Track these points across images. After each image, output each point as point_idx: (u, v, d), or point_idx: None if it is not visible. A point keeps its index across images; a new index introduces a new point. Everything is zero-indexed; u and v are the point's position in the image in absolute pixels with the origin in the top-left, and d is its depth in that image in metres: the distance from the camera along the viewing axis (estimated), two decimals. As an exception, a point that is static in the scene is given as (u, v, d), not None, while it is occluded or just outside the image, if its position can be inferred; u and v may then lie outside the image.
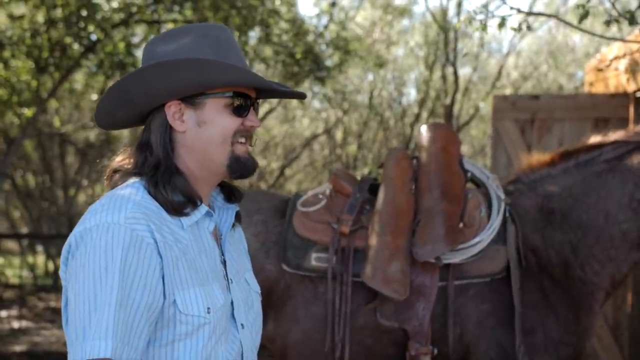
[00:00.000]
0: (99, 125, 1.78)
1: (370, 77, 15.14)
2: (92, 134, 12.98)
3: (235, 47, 1.67)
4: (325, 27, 10.88)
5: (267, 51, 10.27)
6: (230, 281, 1.68)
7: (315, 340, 3.25)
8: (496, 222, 3.15)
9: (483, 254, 3.12)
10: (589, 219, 3.13)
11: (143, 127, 1.71)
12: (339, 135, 16.07)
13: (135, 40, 9.10)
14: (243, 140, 1.66)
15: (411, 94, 16.36)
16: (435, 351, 3.08)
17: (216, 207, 1.76)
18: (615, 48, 5.55)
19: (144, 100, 1.64)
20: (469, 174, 3.35)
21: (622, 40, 4.06)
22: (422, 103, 14.27)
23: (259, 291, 1.82)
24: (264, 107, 14.38)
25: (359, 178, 3.54)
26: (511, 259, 3.08)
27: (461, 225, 3.15)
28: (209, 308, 1.57)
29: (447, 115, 12.96)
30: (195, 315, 1.55)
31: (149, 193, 1.59)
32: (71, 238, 1.53)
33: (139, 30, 9.28)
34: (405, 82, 15.38)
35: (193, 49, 1.61)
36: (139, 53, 10.24)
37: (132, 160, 1.66)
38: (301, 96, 1.78)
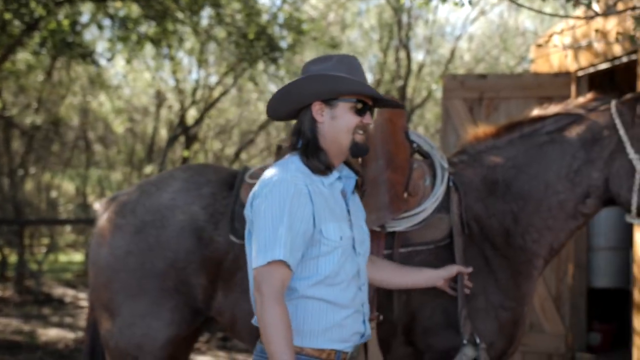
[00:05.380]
0: (268, 116, 2.63)
1: (325, 60, 15.05)
2: (39, 118, 12.72)
3: (361, 70, 2.53)
4: (279, 7, 10.83)
5: (220, 32, 10.17)
6: (352, 224, 2.50)
7: (263, 310, 3.26)
8: (440, 191, 3.20)
9: (427, 222, 3.17)
10: (530, 189, 3.20)
11: None
12: (294, 118, 15.98)
13: (83, 19, 8.92)
14: (361, 132, 2.47)
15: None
16: (381, 317, 3.13)
17: (343, 177, 2.55)
18: (559, 26, 5.66)
19: (299, 99, 2.46)
20: (414, 145, 3.39)
21: (565, 16, 4.15)
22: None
23: (369, 232, 2.65)
24: (217, 90, 14.28)
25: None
26: (454, 226, 3.14)
27: (406, 194, 3.19)
28: (341, 237, 2.40)
29: (401, 97, 13.05)
30: (332, 240, 2.38)
31: (303, 162, 2.42)
32: (256, 189, 2.40)
33: (85, 9, 9.09)
34: (359, 65, 15.38)
35: (334, 69, 2.45)
36: (86, 33, 10.05)
37: (289, 141, 2.51)
38: (398, 106, 2.68)
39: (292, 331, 2.30)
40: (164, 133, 17.00)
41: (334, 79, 2.42)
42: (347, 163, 2.60)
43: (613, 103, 3.21)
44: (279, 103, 2.52)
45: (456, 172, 3.31)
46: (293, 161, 2.44)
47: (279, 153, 2.51)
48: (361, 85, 2.45)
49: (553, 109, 3.30)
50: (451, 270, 3.01)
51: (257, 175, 3.44)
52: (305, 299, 2.39)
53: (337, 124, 2.45)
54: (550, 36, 4.62)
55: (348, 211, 2.52)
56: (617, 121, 3.13)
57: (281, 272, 2.29)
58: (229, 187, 3.45)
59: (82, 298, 10.97)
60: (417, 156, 3.44)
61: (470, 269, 3.04)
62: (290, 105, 2.51)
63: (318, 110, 2.47)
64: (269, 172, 2.41)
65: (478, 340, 3.03)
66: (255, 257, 2.32)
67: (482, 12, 13.94)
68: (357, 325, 2.49)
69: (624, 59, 5.37)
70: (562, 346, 6.03)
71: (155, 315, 3.29)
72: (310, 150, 2.44)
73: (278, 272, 2.29)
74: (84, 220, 13.15)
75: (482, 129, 3.41)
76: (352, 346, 2.49)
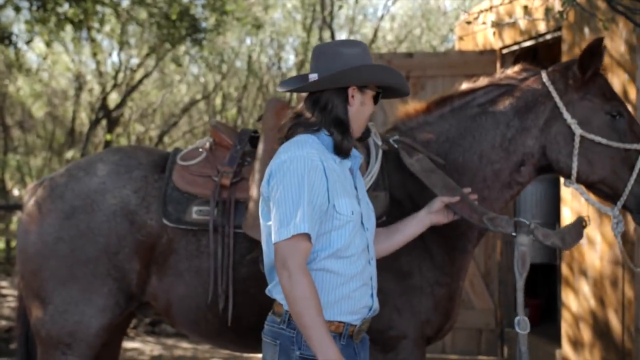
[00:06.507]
0: (298, 90, 2.67)
1: (249, 41, 15.00)
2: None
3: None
4: (201, -13, 10.65)
5: (141, 13, 9.96)
6: (359, 199, 2.61)
7: (200, 293, 3.23)
8: (374, 169, 3.20)
9: (363, 200, 3.18)
10: (465, 161, 3.21)
11: None
12: (218, 100, 15.89)
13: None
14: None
15: (290, 58, 16.36)
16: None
17: (351, 156, 2.64)
18: (486, 3, 5.77)
19: (346, 82, 2.54)
20: (347, 124, 3.38)
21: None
22: (300, 66, 14.32)
23: (373, 209, 2.75)
24: (140, 72, 14.00)
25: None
26: (422, 165, 3.14)
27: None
28: (352, 211, 2.50)
29: (326, 78, 13.05)
30: (344, 214, 2.48)
31: (336, 141, 2.53)
32: (272, 166, 2.48)
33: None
34: (283, 46, 15.35)
35: (365, 56, 2.60)
36: (2, 14, 9.68)
37: (308, 118, 2.57)
38: (405, 94, 2.77)
39: (319, 299, 2.37)
40: (84, 117, 16.57)
41: (381, 70, 2.65)
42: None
43: (544, 72, 3.24)
44: (328, 83, 2.55)
45: (389, 150, 3.31)
46: (307, 139, 2.52)
47: (290, 133, 2.58)
48: (400, 78, 2.66)
49: (482, 81, 3.33)
50: (436, 204, 2.99)
51: (188, 157, 3.40)
52: (316, 271, 2.47)
53: (364, 110, 2.62)
54: (480, 13, 4.70)
55: (356, 188, 2.64)
56: (551, 89, 3.17)
57: (304, 245, 2.38)
58: (161, 169, 3.39)
59: (4, 286, 10.65)
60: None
61: (457, 198, 3.01)
62: (330, 85, 2.56)
63: (353, 95, 2.58)
64: (284, 150, 2.49)
65: (527, 222, 3.01)
66: (277, 232, 2.38)
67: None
68: (365, 299, 2.57)
69: (548, 37, 5.52)
70: (492, 322, 6.20)
71: (88, 302, 3.23)
72: (344, 131, 2.56)
73: (302, 245, 2.37)
74: (4, 206, 12.72)
75: (412, 106, 3.41)
76: (360, 319, 2.56)
